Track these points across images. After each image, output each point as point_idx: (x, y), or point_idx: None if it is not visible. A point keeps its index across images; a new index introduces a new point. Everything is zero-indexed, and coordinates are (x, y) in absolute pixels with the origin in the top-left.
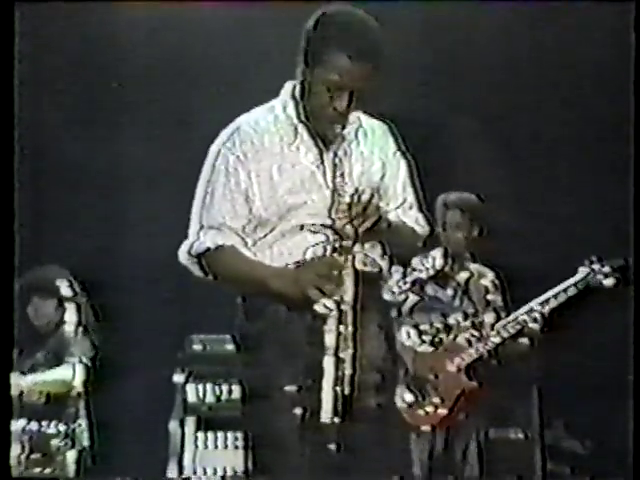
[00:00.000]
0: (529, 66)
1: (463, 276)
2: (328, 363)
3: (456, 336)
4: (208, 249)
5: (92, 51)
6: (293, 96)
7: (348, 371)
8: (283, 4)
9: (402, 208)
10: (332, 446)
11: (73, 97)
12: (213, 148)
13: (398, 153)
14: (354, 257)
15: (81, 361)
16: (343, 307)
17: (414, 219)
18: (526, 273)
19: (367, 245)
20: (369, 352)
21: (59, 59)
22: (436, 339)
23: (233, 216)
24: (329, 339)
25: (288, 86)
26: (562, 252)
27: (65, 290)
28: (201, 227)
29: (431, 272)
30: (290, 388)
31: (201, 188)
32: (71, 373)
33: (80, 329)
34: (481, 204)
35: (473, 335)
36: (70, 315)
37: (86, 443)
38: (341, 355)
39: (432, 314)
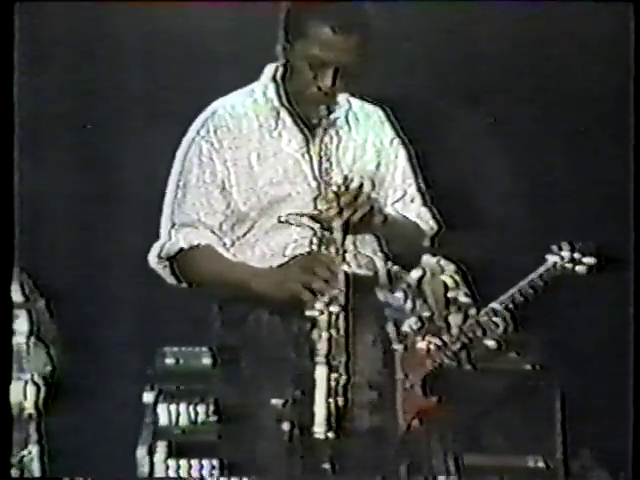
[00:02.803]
0: (527, 60)
1: (414, 275)
2: (320, 372)
3: (412, 345)
4: (181, 250)
5: (91, 47)
6: (274, 79)
7: (342, 380)
8: None
9: (403, 201)
10: (326, 465)
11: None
12: (186, 137)
13: (396, 140)
14: (345, 252)
15: (33, 378)
16: (334, 309)
17: (417, 214)
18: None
19: (359, 239)
20: (363, 366)
21: (58, 57)
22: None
23: (208, 212)
24: (320, 345)
25: (269, 69)
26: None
27: (15, 295)
28: (173, 225)
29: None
30: (276, 402)
31: (173, 182)
32: (21, 391)
33: (32, 340)
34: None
35: (431, 342)
36: (20, 324)
37: (37, 474)
38: (334, 363)
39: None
